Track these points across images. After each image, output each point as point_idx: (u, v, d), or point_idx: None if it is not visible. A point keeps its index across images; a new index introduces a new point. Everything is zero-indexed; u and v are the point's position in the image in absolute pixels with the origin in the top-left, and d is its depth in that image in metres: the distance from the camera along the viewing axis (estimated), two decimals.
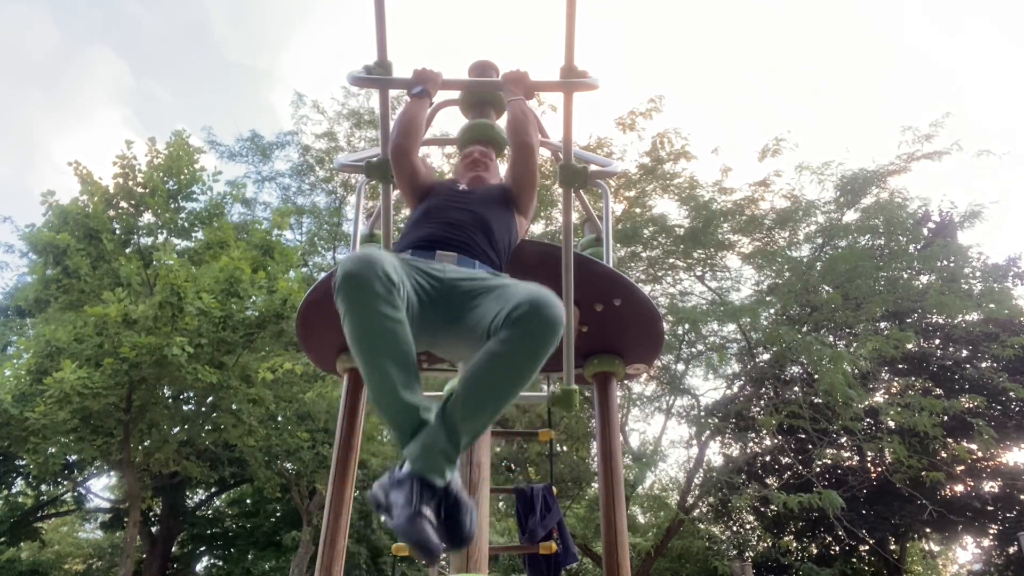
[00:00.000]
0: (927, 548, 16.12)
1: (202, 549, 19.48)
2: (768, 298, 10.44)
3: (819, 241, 10.77)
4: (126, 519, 13.75)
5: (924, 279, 10.85)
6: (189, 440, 12.32)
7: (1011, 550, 12.91)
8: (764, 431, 12.77)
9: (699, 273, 11.40)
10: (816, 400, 10.38)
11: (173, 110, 60.14)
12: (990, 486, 13.07)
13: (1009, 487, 12.60)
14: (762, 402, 11.83)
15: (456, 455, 1.52)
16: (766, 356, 11.23)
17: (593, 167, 3.01)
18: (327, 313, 2.61)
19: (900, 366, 12.52)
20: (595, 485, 11.23)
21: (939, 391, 11.83)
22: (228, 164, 21.17)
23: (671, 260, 10.91)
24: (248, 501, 19.29)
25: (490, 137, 2.71)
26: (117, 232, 11.75)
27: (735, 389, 12.03)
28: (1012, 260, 13.96)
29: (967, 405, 11.17)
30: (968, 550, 14.63)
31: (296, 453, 12.71)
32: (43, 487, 16.86)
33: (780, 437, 13.13)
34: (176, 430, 12.24)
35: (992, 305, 10.01)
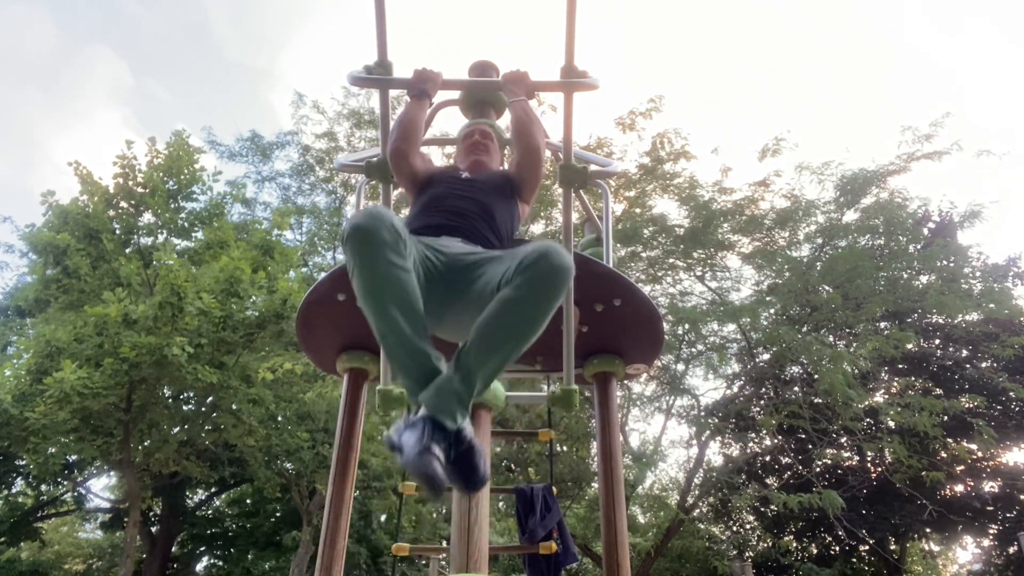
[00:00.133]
0: (927, 548, 16.12)
1: (202, 549, 19.48)
2: (768, 298, 10.44)
3: (819, 241, 10.77)
4: (126, 519, 13.75)
5: (924, 279, 10.86)
6: (189, 440, 12.32)
7: (1011, 550, 12.91)
8: (764, 431, 12.77)
9: (699, 273, 11.40)
10: (816, 400, 10.38)
11: (173, 110, 60.16)
12: (990, 486, 13.07)
13: (1009, 487, 12.60)
14: (762, 402, 11.83)
15: (469, 399, 1.57)
16: (766, 356, 11.23)
17: (593, 167, 3.01)
18: (327, 313, 2.61)
19: (900, 366, 12.52)
20: (595, 485, 11.23)
21: (939, 391, 11.83)
22: (228, 164, 21.17)
23: (671, 260, 10.91)
24: (248, 501, 19.29)
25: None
26: (117, 232, 11.75)
27: (735, 389, 12.03)
28: (1012, 260, 13.97)
29: (967, 405, 11.17)
30: (968, 550, 14.64)
31: (296, 453, 12.70)
32: (43, 487, 16.86)
33: (780, 437, 13.13)
34: (176, 430, 12.24)
35: (992, 305, 10.01)
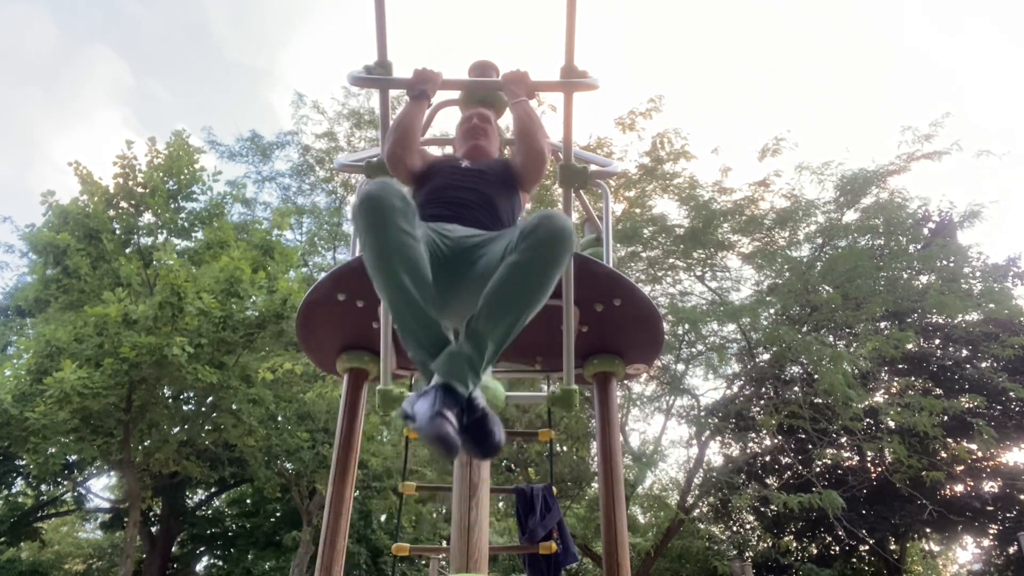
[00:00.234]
0: (927, 548, 16.11)
1: (202, 549, 19.48)
2: (768, 298, 10.43)
3: (819, 241, 10.77)
4: (126, 519, 13.75)
5: (924, 279, 10.85)
6: (189, 440, 12.32)
7: (1011, 550, 12.91)
8: (764, 431, 12.77)
9: (699, 273, 11.39)
10: (816, 400, 10.38)
11: (173, 110, 60.13)
12: (990, 486, 13.07)
13: (1009, 487, 12.60)
14: (762, 402, 11.82)
15: (480, 364, 1.60)
16: (766, 356, 11.22)
17: (593, 167, 3.01)
18: (327, 313, 2.61)
19: (900, 366, 12.52)
20: (595, 485, 11.23)
21: (939, 391, 11.83)
22: (228, 164, 21.18)
23: (671, 260, 10.90)
24: (248, 501, 19.29)
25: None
26: (117, 232, 11.75)
27: (735, 389, 12.02)
28: (1012, 260, 13.97)
29: (967, 405, 11.17)
30: (968, 550, 14.64)
31: (296, 453, 12.71)
32: (43, 487, 16.86)
33: (780, 437, 13.13)
34: (176, 430, 12.24)
35: (992, 305, 10.01)
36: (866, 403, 10.02)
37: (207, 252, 12.45)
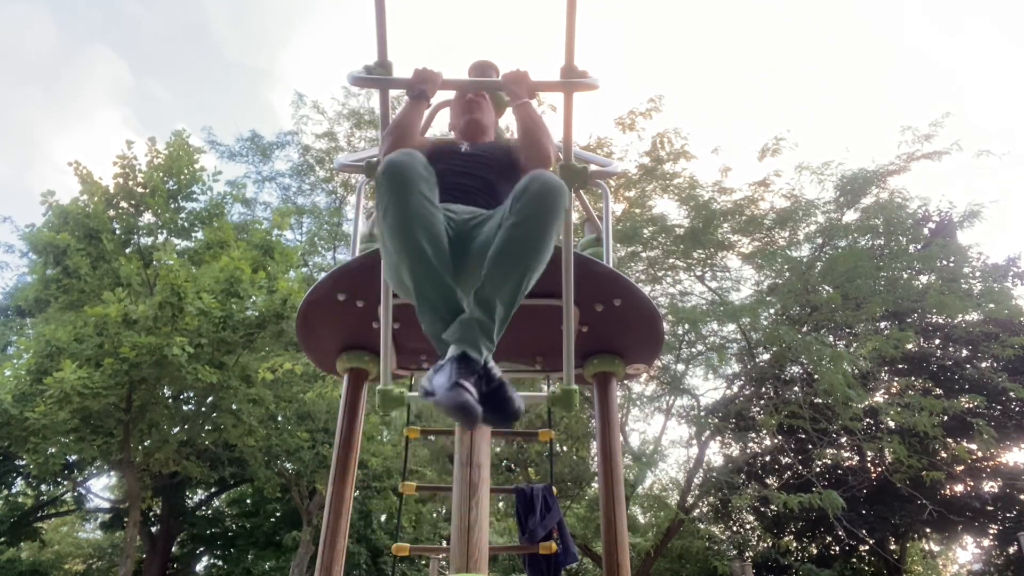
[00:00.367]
0: (927, 548, 16.12)
1: (202, 549, 19.48)
2: (768, 298, 10.43)
3: (819, 241, 10.76)
4: (126, 519, 13.75)
5: (924, 279, 10.85)
6: (189, 440, 12.32)
7: (1011, 550, 12.91)
8: (764, 431, 12.76)
9: (699, 273, 11.38)
10: (816, 400, 10.37)
11: (173, 110, 60.11)
12: (990, 486, 13.07)
13: (1009, 487, 12.61)
14: (762, 402, 11.82)
15: (491, 328, 1.62)
16: (766, 356, 11.22)
17: (593, 167, 3.01)
18: (327, 313, 2.61)
19: (900, 366, 12.52)
20: (595, 485, 11.23)
21: (939, 391, 11.83)
22: (228, 164, 21.19)
23: (671, 260, 10.90)
24: (248, 501, 19.29)
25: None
26: (117, 232, 11.75)
27: (735, 389, 12.02)
28: (1012, 260, 13.97)
29: (967, 405, 11.16)
30: (968, 550, 14.64)
31: (296, 453, 12.71)
32: (43, 487, 16.87)
33: (780, 437, 13.13)
34: (176, 430, 12.24)
35: (992, 305, 10.00)
36: (866, 403, 10.02)
37: (207, 252, 12.45)
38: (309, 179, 16.47)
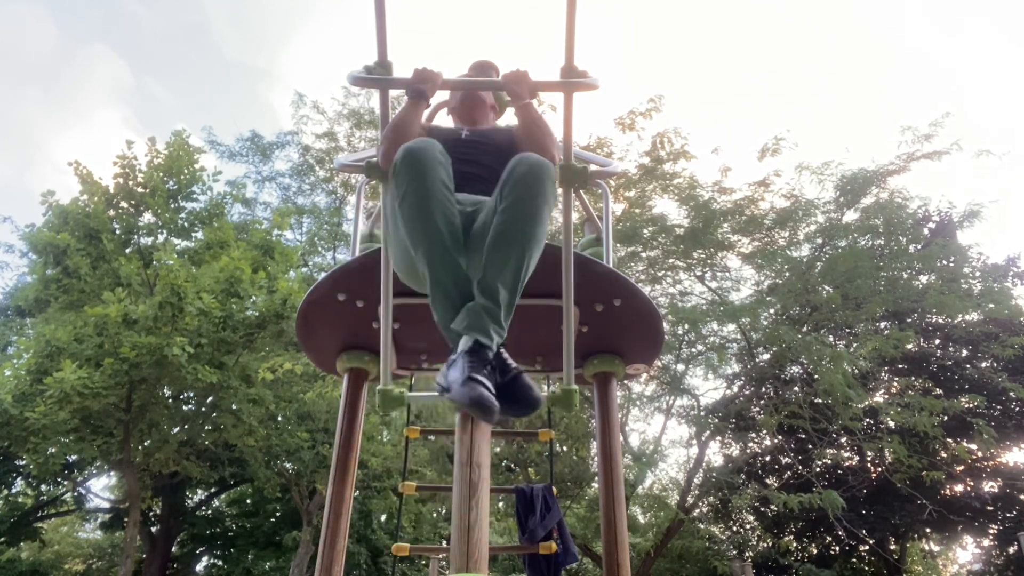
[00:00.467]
0: (927, 548, 16.12)
1: (202, 549, 19.48)
2: (768, 298, 10.42)
3: (819, 241, 10.76)
4: (126, 519, 13.75)
5: (924, 279, 10.84)
6: (189, 440, 12.32)
7: (1011, 550, 12.91)
8: (764, 431, 12.76)
9: (699, 273, 11.38)
10: (816, 400, 10.37)
11: (173, 110, 60.12)
12: (990, 486, 13.08)
13: (1009, 487, 12.61)
14: (762, 402, 11.82)
15: (498, 313, 1.64)
16: (766, 356, 11.22)
17: (593, 167, 3.01)
18: (327, 313, 2.61)
19: (900, 366, 12.53)
20: (595, 485, 11.22)
21: (939, 391, 11.83)
22: (228, 164, 21.20)
23: (671, 260, 10.89)
24: (248, 501, 19.29)
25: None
26: (117, 232, 11.75)
27: (735, 389, 12.02)
28: (1012, 260, 13.98)
29: (967, 405, 11.17)
30: (968, 550, 14.64)
31: (296, 453, 12.71)
32: (43, 487, 16.87)
33: (780, 437, 13.13)
34: (176, 430, 12.24)
35: (992, 305, 10.00)
36: (866, 403, 10.02)
37: (207, 252, 12.45)
38: (309, 179, 16.48)
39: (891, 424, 11.30)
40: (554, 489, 3.42)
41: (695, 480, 11.79)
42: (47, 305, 12.11)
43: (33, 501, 17.26)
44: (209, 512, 19.92)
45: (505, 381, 1.58)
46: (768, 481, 13.81)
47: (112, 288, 10.48)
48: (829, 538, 14.69)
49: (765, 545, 14.92)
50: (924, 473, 10.16)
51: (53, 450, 11.34)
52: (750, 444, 13.57)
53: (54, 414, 9.47)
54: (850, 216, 10.57)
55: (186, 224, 12.58)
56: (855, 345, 10.80)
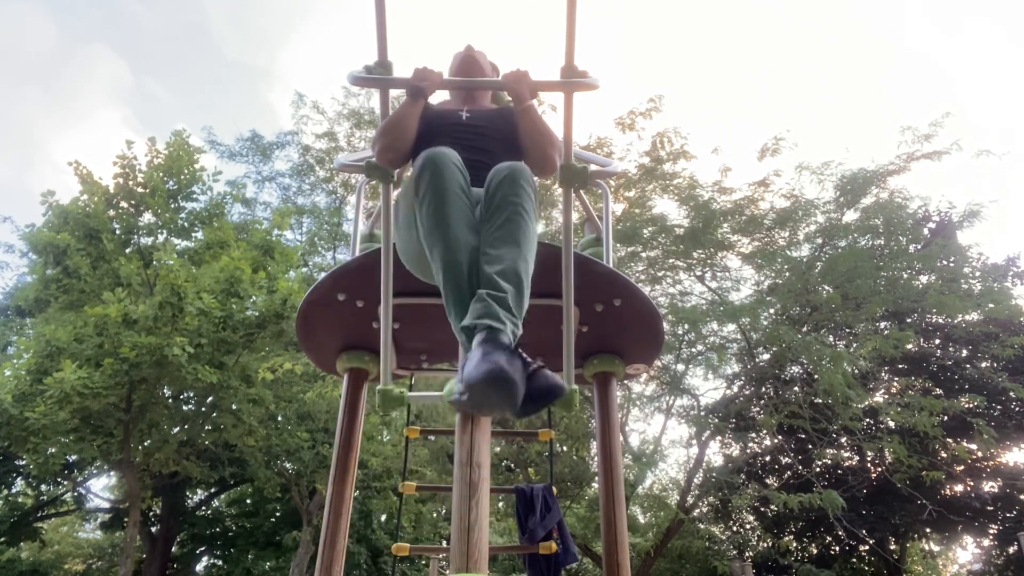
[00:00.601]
0: (927, 548, 16.12)
1: (202, 549, 19.48)
2: (768, 298, 10.42)
3: (819, 241, 10.76)
4: (126, 519, 13.75)
5: (924, 279, 10.84)
6: (189, 440, 12.32)
7: (1011, 550, 12.92)
8: (764, 431, 12.76)
9: (699, 273, 11.38)
10: (816, 400, 10.37)
11: (173, 110, 60.12)
12: (990, 486, 13.08)
13: (1009, 487, 12.61)
14: (762, 402, 11.82)
15: (506, 299, 1.65)
16: (766, 356, 11.22)
17: (593, 167, 3.01)
18: (327, 313, 2.61)
19: (900, 366, 12.53)
20: (595, 485, 11.22)
21: (939, 391, 11.83)
22: (228, 164, 21.20)
23: (671, 260, 10.89)
24: (248, 501, 19.29)
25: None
26: (117, 232, 11.74)
27: (735, 389, 12.02)
28: (1012, 260, 13.99)
29: (967, 405, 11.17)
30: (968, 550, 14.65)
31: (296, 453, 12.70)
32: (43, 487, 16.86)
33: (780, 437, 13.13)
34: (176, 430, 12.24)
35: (992, 305, 10.00)
36: (866, 403, 10.02)
37: (207, 252, 12.45)
38: (309, 179, 16.48)
39: (891, 424, 11.30)
40: (554, 489, 3.42)
41: (695, 480, 11.79)
42: (47, 305, 12.11)
43: (33, 501, 17.26)
44: (209, 512, 19.91)
45: (527, 375, 1.54)
46: (768, 481, 13.82)
47: (112, 288, 10.48)
48: (829, 538, 14.69)
49: (765, 545, 14.93)
50: (924, 473, 10.16)
51: (53, 450, 11.34)
52: (750, 444, 13.57)
53: (54, 414, 9.47)
54: (850, 216, 10.57)
55: (186, 224, 12.58)
56: (855, 345, 10.80)
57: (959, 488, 12.98)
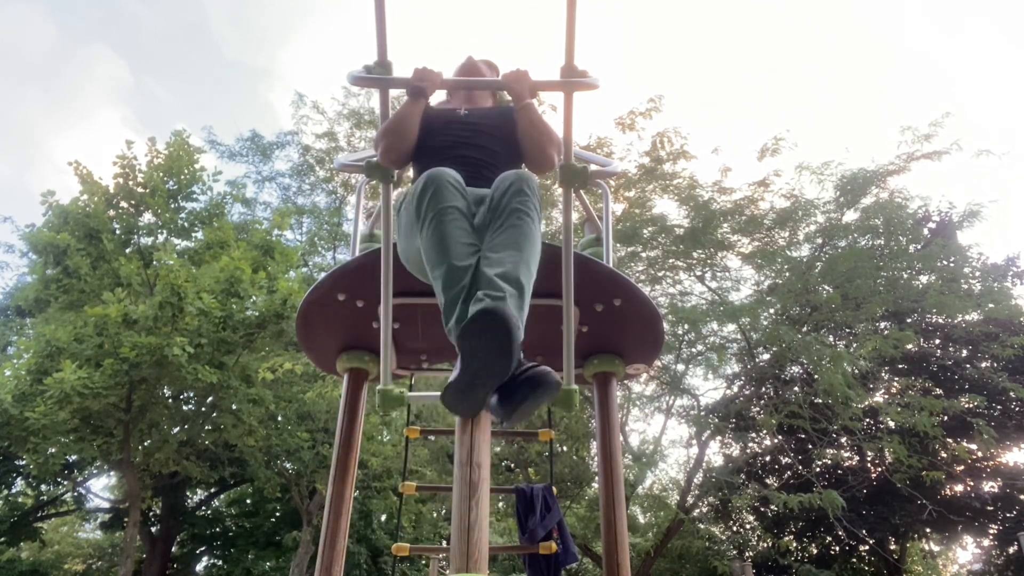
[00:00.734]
0: (927, 548, 16.12)
1: (202, 549, 19.48)
2: (768, 298, 10.42)
3: (819, 241, 10.76)
4: (126, 519, 13.75)
5: (924, 279, 10.84)
6: (189, 440, 12.32)
7: (1011, 550, 12.92)
8: (764, 431, 12.76)
9: (699, 273, 11.38)
10: (816, 400, 10.37)
11: (173, 110, 60.13)
12: (990, 486, 13.08)
13: (1009, 487, 12.61)
14: (762, 402, 11.82)
15: (505, 300, 1.63)
16: (766, 356, 11.22)
17: (593, 167, 3.01)
18: (327, 313, 2.61)
19: (900, 366, 12.53)
20: (595, 485, 11.22)
21: (939, 391, 11.83)
22: (228, 164, 21.21)
23: (671, 260, 10.89)
24: (248, 501, 19.29)
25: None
26: (117, 232, 11.75)
27: (735, 389, 12.02)
28: (1011, 260, 13.99)
29: (967, 405, 11.17)
30: (968, 550, 14.65)
31: (296, 453, 12.70)
32: (43, 487, 16.86)
33: (780, 437, 13.13)
34: (176, 430, 12.24)
35: (992, 305, 10.00)
36: (866, 403, 10.02)
37: (207, 252, 12.45)
38: (309, 179, 16.48)
39: (891, 424, 11.29)
40: (554, 489, 3.42)
41: (695, 480, 11.79)
42: (47, 305, 12.11)
43: (33, 501, 17.26)
44: (209, 512, 19.91)
45: (525, 371, 1.60)
46: (768, 481, 13.82)
47: (112, 288, 10.48)
48: (829, 538, 14.69)
49: (765, 545, 14.92)
50: (924, 473, 10.16)
51: (53, 450, 11.34)
52: (750, 444, 13.57)
53: (54, 414, 9.47)
54: (850, 216, 10.57)
55: (186, 224, 12.59)
56: (855, 345, 10.80)
57: (959, 488, 12.98)
